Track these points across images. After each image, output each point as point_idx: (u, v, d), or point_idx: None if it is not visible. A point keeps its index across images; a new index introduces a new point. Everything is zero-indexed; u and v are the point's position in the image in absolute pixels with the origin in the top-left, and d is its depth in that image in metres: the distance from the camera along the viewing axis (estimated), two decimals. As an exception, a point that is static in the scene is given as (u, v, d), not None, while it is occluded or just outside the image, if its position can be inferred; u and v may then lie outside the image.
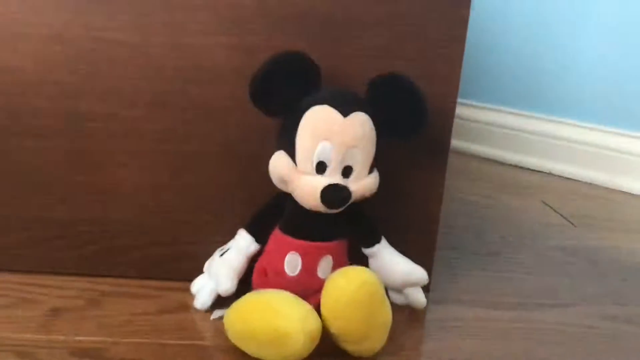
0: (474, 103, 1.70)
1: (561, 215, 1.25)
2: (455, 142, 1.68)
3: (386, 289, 0.69)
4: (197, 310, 0.73)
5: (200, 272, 0.76)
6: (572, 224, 1.20)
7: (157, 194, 0.77)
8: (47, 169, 0.75)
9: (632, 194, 1.47)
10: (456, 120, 0.78)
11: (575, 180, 1.55)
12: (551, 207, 1.30)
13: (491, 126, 1.68)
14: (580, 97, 1.56)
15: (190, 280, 0.76)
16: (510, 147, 1.65)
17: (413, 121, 0.69)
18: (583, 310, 0.84)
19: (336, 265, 0.70)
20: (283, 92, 0.67)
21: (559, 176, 1.57)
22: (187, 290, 0.76)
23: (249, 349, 0.64)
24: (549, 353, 0.72)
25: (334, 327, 0.63)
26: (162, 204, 0.77)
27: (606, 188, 1.51)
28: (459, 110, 0.82)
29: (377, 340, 0.66)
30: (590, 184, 1.53)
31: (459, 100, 0.76)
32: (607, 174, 1.52)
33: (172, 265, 0.79)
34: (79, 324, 0.69)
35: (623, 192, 1.48)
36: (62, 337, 0.66)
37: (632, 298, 0.89)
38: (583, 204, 1.36)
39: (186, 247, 0.79)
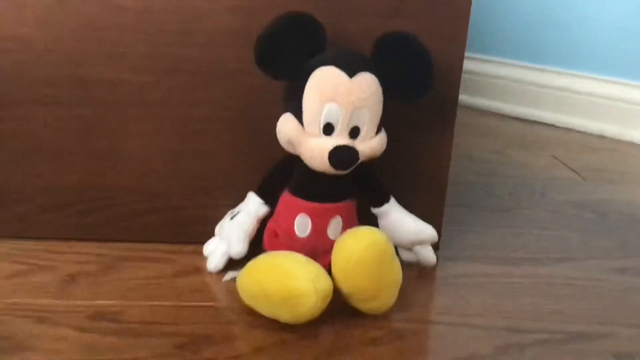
0: (483, 57, 1.68)
1: (571, 169, 1.25)
2: (464, 97, 1.66)
3: (396, 248, 0.70)
4: (209, 273, 0.74)
5: (212, 235, 0.77)
6: (582, 177, 1.20)
7: (167, 159, 0.77)
8: (57, 136, 0.76)
9: (643, 146, 1.47)
10: (464, 75, 0.77)
11: (585, 133, 1.54)
12: (561, 162, 1.29)
13: (499, 80, 1.67)
14: (591, 49, 1.54)
15: (202, 243, 0.77)
16: (519, 101, 1.64)
17: (419, 83, 0.69)
18: (593, 264, 0.84)
19: (346, 226, 0.70)
20: (288, 55, 0.66)
21: (569, 129, 1.56)
22: (200, 253, 0.77)
23: (262, 309, 0.65)
24: (558, 307, 0.72)
25: (345, 287, 0.64)
26: (172, 169, 0.78)
27: (617, 140, 1.50)
28: (467, 65, 0.81)
29: (387, 298, 0.66)
30: (601, 136, 1.52)
31: (468, 54, 0.76)
32: (618, 126, 1.51)
33: (184, 229, 0.80)
34: (95, 288, 0.70)
35: (634, 143, 1.47)
36: (79, 302, 0.67)
37: (642, 251, 0.89)
38: (594, 157, 1.35)
39: (197, 211, 0.79)
